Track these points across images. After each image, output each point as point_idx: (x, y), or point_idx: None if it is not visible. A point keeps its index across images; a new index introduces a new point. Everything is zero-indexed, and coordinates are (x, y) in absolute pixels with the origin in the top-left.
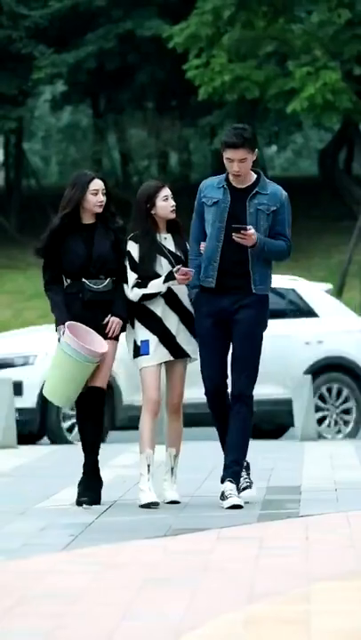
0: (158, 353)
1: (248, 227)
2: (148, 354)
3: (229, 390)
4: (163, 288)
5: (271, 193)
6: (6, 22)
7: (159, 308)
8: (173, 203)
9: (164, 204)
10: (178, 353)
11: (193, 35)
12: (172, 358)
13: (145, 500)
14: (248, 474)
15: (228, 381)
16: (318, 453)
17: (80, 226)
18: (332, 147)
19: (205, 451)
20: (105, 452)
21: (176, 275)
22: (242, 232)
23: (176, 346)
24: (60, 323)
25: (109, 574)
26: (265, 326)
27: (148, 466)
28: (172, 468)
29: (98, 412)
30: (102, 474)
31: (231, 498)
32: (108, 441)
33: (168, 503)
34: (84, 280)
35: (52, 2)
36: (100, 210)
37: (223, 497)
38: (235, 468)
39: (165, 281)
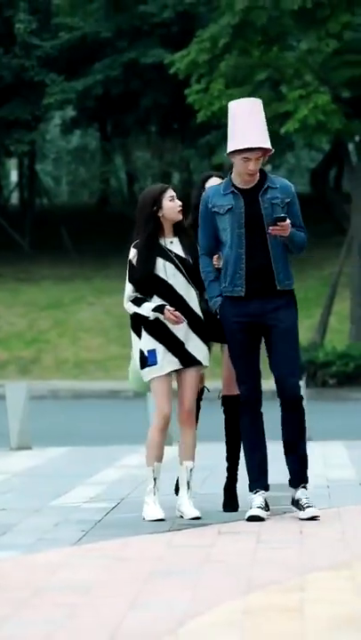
0: (166, 362)
1: (284, 215)
2: (155, 364)
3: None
4: (151, 315)
5: (281, 186)
6: (19, 52)
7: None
8: (180, 202)
9: (171, 204)
10: (188, 361)
11: (193, 61)
12: (181, 367)
13: (150, 516)
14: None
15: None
16: (312, 453)
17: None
18: (323, 166)
19: (205, 449)
20: (113, 452)
21: (166, 311)
22: (278, 223)
23: (185, 353)
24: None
25: (118, 567)
26: (297, 319)
27: (155, 479)
28: (188, 482)
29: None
30: (110, 473)
31: (310, 508)
32: (115, 442)
33: (191, 519)
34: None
35: (62, 33)
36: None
37: (299, 506)
38: (304, 475)
39: (154, 310)
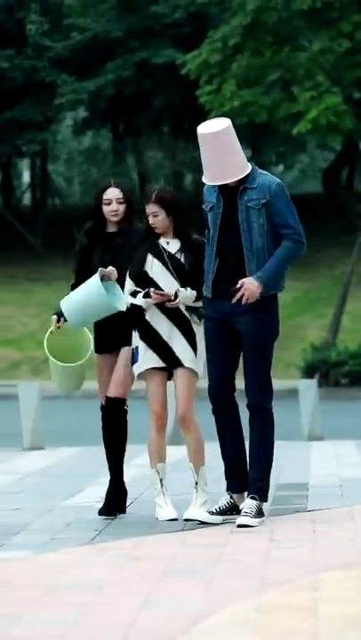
0: (146, 359)
1: (238, 285)
2: (137, 361)
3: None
4: (142, 303)
5: (260, 185)
6: (31, 53)
7: (149, 312)
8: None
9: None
10: (172, 361)
11: (204, 62)
12: (162, 364)
13: (163, 517)
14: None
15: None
16: (324, 452)
17: (103, 235)
18: (335, 166)
19: (216, 450)
20: (128, 451)
21: (151, 293)
22: (232, 290)
23: (169, 352)
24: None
25: (131, 566)
26: (271, 331)
27: (161, 480)
28: (196, 483)
29: (122, 424)
30: (125, 472)
31: (244, 517)
32: (128, 441)
33: (185, 520)
34: None
35: (74, 34)
36: (115, 219)
37: (238, 511)
38: (257, 485)
39: (144, 296)
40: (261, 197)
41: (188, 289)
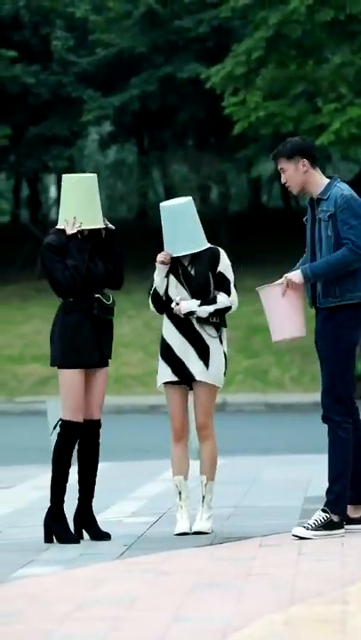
0: (162, 373)
1: (280, 281)
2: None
3: None
4: (158, 282)
5: (330, 197)
6: (57, 69)
7: (165, 325)
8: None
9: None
10: (185, 375)
11: (229, 75)
12: (175, 379)
13: (176, 530)
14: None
15: None
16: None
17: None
18: (359, 177)
19: (247, 463)
20: (154, 466)
21: (158, 257)
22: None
23: (182, 367)
24: None
25: (160, 581)
26: (338, 342)
27: (180, 493)
28: (203, 497)
29: (95, 448)
30: (151, 487)
31: (299, 527)
32: (156, 457)
33: (194, 534)
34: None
35: (99, 49)
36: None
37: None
38: (328, 497)
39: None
40: (330, 209)
41: (193, 300)
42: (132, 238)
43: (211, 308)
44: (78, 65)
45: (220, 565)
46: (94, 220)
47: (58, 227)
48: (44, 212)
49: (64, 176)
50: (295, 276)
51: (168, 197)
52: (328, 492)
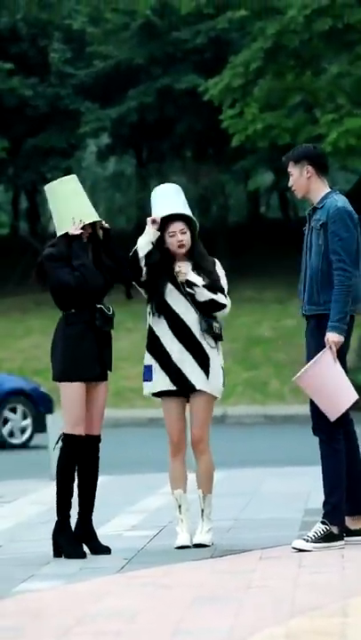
0: (160, 380)
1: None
2: (150, 380)
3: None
4: (142, 244)
5: (325, 206)
6: (55, 81)
7: (161, 330)
8: (181, 238)
9: (171, 239)
10: (184, 384)
11: (227, 87)
12: (174, 388)
13: (176, 544)
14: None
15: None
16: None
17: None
18: (358, 187)
19: (247, 475)
20: (154, 480)
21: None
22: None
23: (180, 376)
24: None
25: (161, 594)
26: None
27: (180, 506)
28: (202, 510)
29: (95, 463)
30: (151, 501)
31: (298, 539)
32: (156, 470)
33: (195, 546)
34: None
35: (96, 61)
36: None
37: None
38: (325, 509)
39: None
40: (323, 218)
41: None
42: (131, 250)
43: (210, 294)
44: (76, 77)
45: (221, 578)
46: (91, 214)
47: (60, 233)
48: (43, 225)
49: (46, 187)
50: (332, 336)
51: None
52: (325, 504)
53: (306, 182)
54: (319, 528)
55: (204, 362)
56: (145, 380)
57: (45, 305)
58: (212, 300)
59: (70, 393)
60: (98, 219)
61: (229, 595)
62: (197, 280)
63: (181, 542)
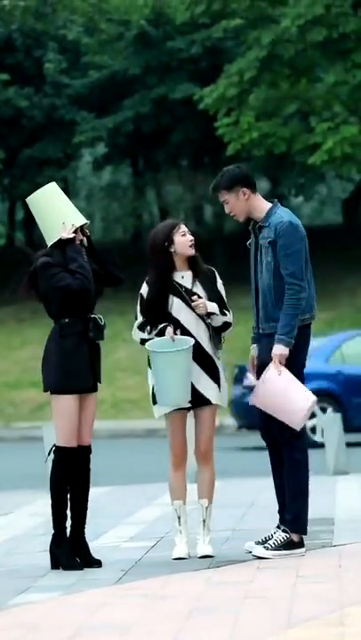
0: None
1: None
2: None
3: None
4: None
5: (272, 223)
6: (50, 91)
7: None
8: (191, 237)
9: (183, 239)
10: (199, 400)
11: (222, 96)
12: (188, 405)
13: (174, 555)
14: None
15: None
16: (349, 486)
17: None
18: (354, 195)
19: (244, 486)
20: (151, 490)
21: (166, 333)
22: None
23: (195, 392)
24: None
25: (158, 605)
26: (286, 365)
27: (179, 517)
28: (203, 521)
29: (86, 473)
30: (149, 512)
31: (259, 547)
32: (153, 481)
33: (200, 558)
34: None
35: (92, 71)
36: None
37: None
38: (286, 517)
39: (157, 334)
40: (271, 236)
41: (213, 303)
42: (128, 260)
43: (223, 318)
44: (71, 87)
45: (218, 589)
46: (80, 218)
47: (50, 242)
48: (39, 235)
49: (28, 200)
50: (278, 349)
51: (163, 218)
52: (287, 512)
53: (245, 205)
54: (280, 536)
55: (214, 374)
56: (155, 404)
57: (42, 315)
58: (225, 322)
59: (65, 405)
60: (87, 221)
61: (227, 606)
62: (215, 308)
63: (179, 554)
